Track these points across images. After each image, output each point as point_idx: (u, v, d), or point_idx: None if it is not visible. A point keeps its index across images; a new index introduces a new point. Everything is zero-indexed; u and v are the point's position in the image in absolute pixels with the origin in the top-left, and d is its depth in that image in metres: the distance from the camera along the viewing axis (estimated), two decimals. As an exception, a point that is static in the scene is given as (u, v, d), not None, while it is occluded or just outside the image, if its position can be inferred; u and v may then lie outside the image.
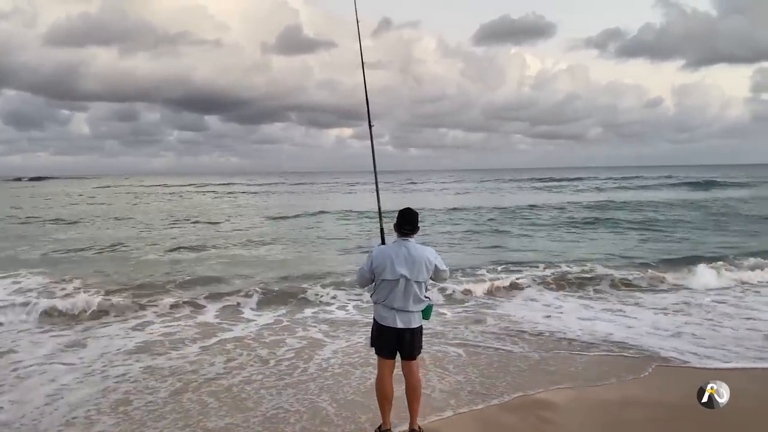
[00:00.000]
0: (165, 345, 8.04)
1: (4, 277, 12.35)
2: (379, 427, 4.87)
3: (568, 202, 32.34)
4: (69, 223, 26.15)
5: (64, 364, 7.27)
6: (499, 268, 13.25)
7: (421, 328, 4.70)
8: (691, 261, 13.74)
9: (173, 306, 9.93)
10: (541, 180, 72.99)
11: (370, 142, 5.56)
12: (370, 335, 4.91)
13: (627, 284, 11.62)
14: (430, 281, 4.74)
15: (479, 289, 10.86)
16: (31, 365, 7.21)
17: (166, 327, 8.90)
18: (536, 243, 18.13)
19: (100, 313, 9.47)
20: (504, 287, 11.13)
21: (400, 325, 4.52)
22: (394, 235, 4.73)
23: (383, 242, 4.91)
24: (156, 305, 9.92)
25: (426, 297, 4.61)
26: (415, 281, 4.49)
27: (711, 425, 5.04)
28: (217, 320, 9.33)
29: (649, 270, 12.84)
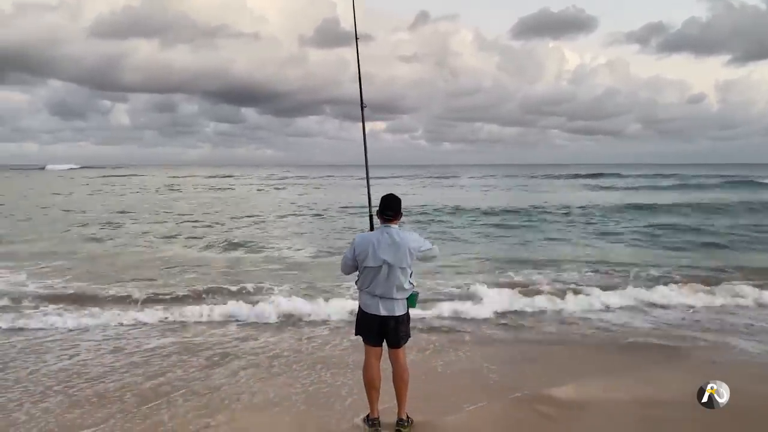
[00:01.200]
0: (198, 323, 7.98)
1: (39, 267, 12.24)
2: (367, 416, 4.65)
3: (614, 203, 29.86)
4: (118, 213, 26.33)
5: (86, 340, 7.12)
6: (539, 268, 12.13)
7: (407, 316, 4.53)
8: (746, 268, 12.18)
9: (205, 292, 9.66)
10: (579, 177, 69.61)
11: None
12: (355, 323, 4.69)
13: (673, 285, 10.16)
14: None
15: (509, 286, 10.03)
16: (53, 339, 7.09)
17: (196, 308, 8.56)
18: (575, 244, 16.58)
19: (134, 299, 9.24)
20: (540, 283, 10.43)
21: (383, 312, 4.40)
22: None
23: (372, 230, 4.74)
24: (187, 292, 9.66)
25: (411, 284, 4.47)
26: (399, 267, 4.35)
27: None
28: (250, 304, 8.78)
29: (707, 272, 11.60)
